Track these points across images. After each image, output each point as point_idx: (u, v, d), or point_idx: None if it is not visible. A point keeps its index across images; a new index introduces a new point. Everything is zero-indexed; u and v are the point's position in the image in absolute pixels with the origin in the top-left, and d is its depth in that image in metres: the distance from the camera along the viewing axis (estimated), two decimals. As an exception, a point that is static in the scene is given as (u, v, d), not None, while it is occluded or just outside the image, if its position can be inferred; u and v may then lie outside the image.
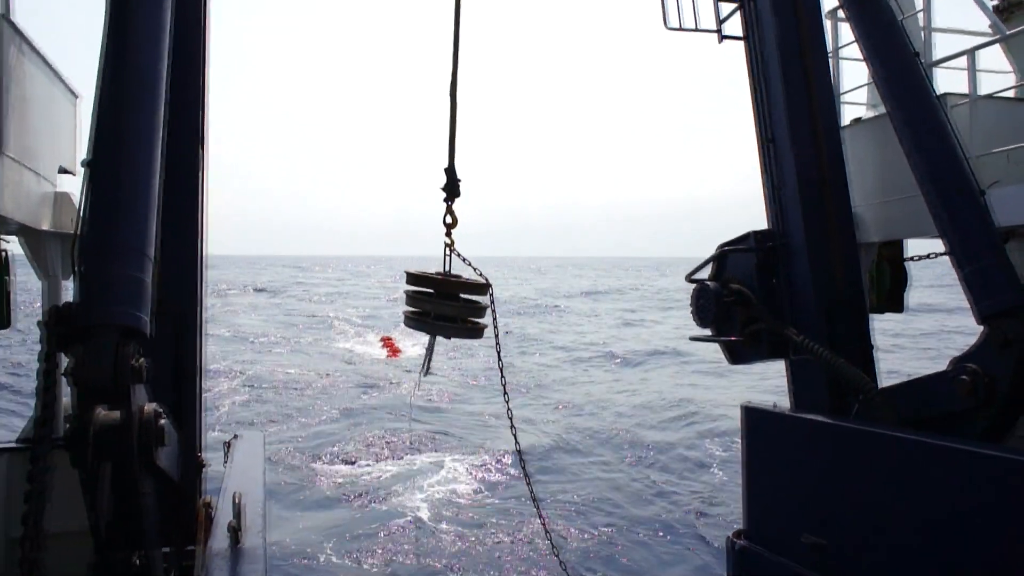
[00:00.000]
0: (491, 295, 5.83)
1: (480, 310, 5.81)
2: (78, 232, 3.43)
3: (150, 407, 3.05)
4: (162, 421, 3.12)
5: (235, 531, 2.83)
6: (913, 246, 7.13)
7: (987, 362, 4.68)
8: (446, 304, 5.59)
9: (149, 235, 3.33)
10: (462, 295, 5.71)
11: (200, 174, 4.88)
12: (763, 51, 6.64)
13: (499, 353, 6.38)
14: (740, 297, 6.33)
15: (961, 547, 4.19)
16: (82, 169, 3.60)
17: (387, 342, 38.45)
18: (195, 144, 4.87)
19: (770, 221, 6.61)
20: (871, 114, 7.50)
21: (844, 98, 7.58)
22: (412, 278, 5.78)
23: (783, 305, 6.28)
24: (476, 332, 5.77)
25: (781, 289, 6.34)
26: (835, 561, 5.04)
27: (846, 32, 7.30)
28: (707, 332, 6.66)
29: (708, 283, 6.56)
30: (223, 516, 3.08)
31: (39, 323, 3.01)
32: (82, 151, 3.68)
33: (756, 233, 6.52)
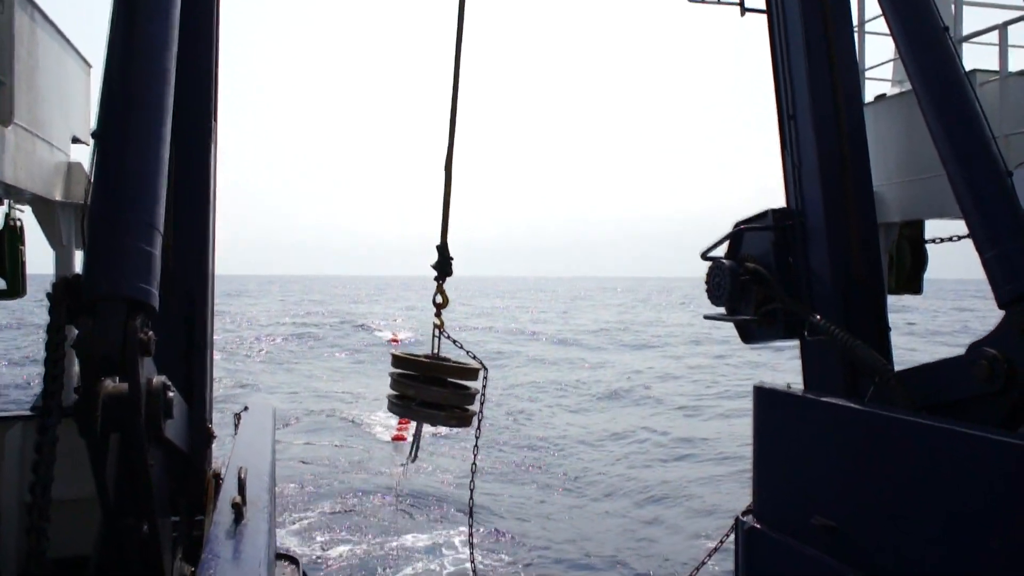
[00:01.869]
0: (484, 379, 5.46)
1: (469, 396, 5.44)
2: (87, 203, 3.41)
3: (158, 379, 3.05)
4: (170, 393, 3.13)
5: (239, 507, 2.83)
6: (933, 227, 7.00)
7: (1007, 347, 4.58)
8: (432, 389, 5.22)
9: (158, 207, 3.30)
10: (450, 380, 5.35)
11: (211, 147, 4.85)
12: (786, 24, 6.47)
13: (477, 441, 5.91)
14: (756, 276, 6.25)
15: (973, 534, 4.15)
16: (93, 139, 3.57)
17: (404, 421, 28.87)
18: (206, 117, 4.83)
19: (788, 199, 6.51)
20: (896, 90, 7.31)
21: (868, 74, 7.40)
22: (397, 361, 5.45)
23: (800, 284, 6.20)
24: (464, 420, 5.43)
25: (798, 268, 6.25)
26: (845, 544, 5.01)
27: (872, 5, 7.10)
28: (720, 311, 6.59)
29: (723, 260, 6.48)
30: (229, 489, 3.10)
31: (47, 294, 2.99)
32: (95, 121, 3.66)
33: (774, 211, 6.43)
